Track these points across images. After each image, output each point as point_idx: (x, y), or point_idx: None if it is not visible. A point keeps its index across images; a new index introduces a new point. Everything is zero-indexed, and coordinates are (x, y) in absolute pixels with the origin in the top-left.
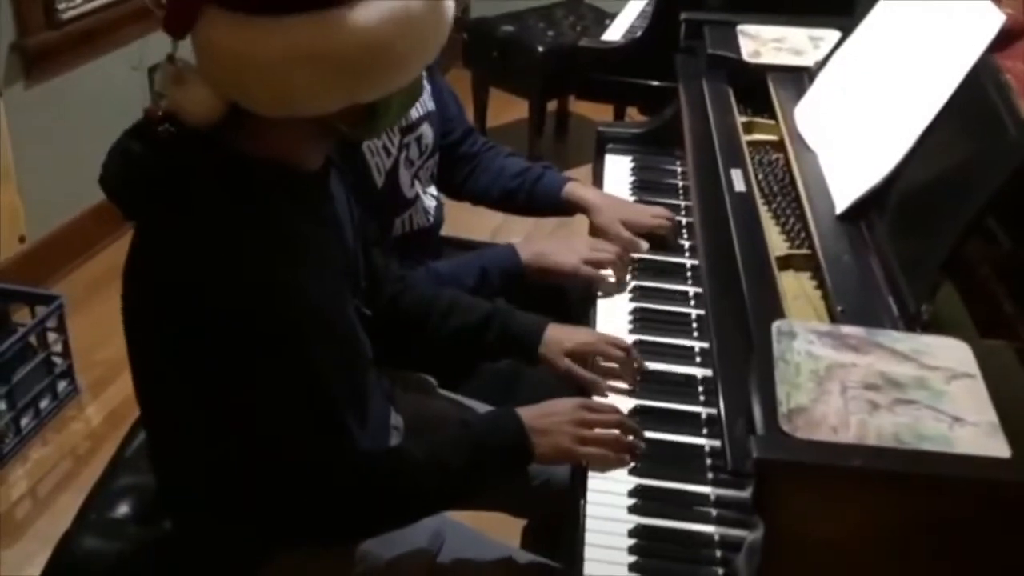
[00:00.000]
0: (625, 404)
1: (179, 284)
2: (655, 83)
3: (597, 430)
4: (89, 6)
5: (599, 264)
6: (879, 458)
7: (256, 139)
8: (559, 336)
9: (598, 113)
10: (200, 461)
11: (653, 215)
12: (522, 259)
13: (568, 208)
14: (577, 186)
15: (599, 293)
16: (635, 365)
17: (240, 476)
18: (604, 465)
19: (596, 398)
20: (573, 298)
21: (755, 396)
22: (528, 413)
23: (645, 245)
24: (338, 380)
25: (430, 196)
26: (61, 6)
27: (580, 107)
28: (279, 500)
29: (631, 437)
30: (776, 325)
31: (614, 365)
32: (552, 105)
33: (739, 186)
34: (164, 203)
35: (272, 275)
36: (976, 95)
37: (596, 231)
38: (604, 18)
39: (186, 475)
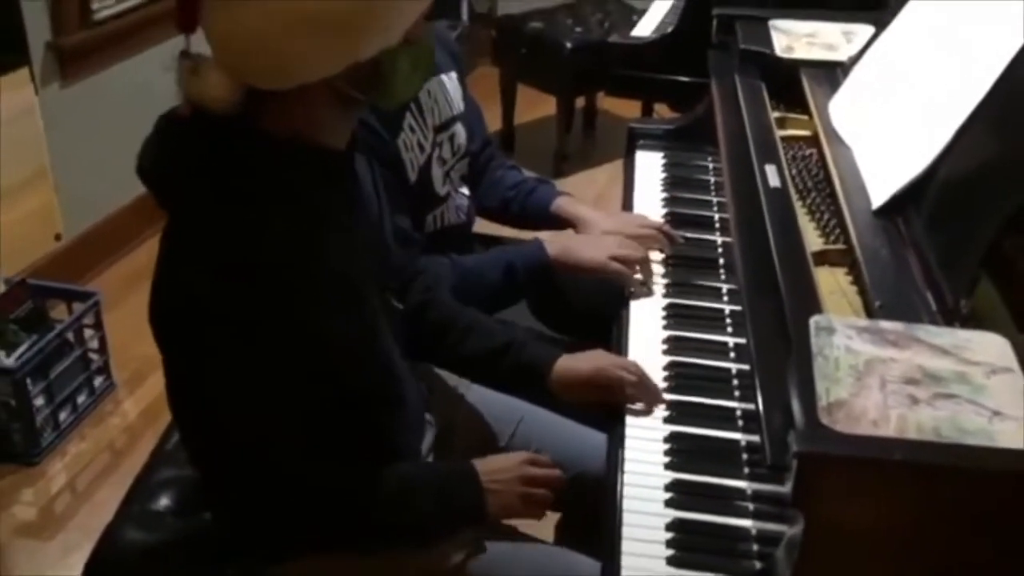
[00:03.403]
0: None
1: (204, 261)
2: (685, 79)
3: (540, 490)
4: (122, 6)
5: (626, 261)
6: (920, 451)
7: (279, 118)
8: (570, 370)
9: (626, 110)
10: (215, 454)
11: (640, 225)
12: (550, 254)
13: (557, 222)
14: (567, 201)
15: (628, 292)
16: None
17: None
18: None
19: (645, 422)
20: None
21: (794, 390)
22: (484, 471)
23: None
24: (354, 355)
25: (462, 195)
26: (95, 6)
27: (608, 104)
28: (259, 495)
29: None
30: (814, 320)
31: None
32: (580, 102)
33: (774, 181)
34: (192, 184)
35: (296, 241)
36: (1016, 87)
37: None
38: (631, 14)
39: (209, 468)
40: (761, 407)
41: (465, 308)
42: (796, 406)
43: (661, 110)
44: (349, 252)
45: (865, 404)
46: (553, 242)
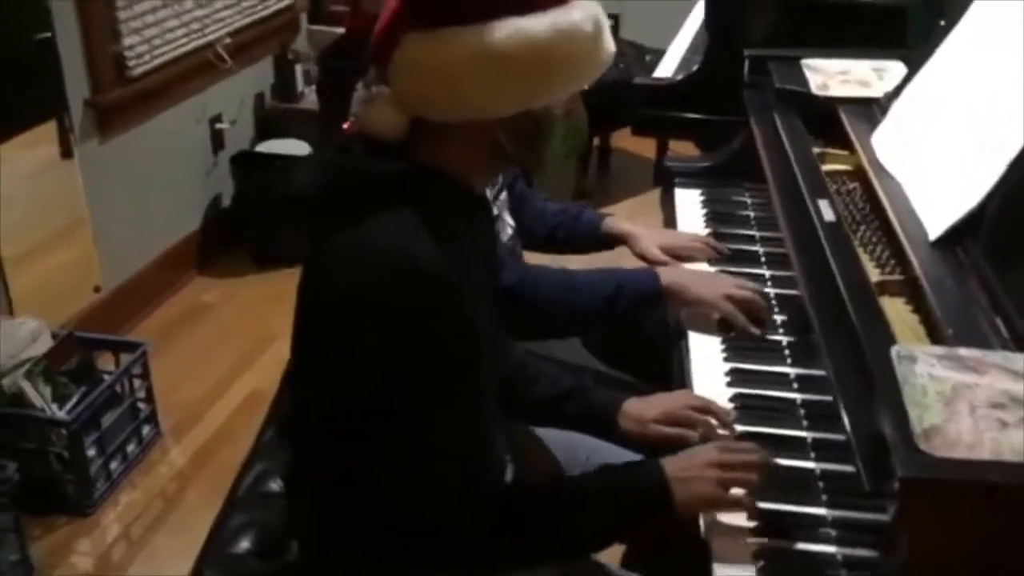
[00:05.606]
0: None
1: (348, 282)
2: (713, 117)
3: (739, 473)
4: (157, 62)
5: (741, 303)
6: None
7: (433, 153)
8: (639, 408)
9: (640, 147)
10: (339, 479)
11: (690, 239)
12: (663, 283)
13: (608, 241)
14: (615, 219)
15: (736, 334)
16: (724, 421)
17: (377, 495)
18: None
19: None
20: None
21: (886, 419)
22: (669, 462)
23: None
24: (484, 401)
25: (508, 224)
26: (131, 63)
27: (622, 142)
28: (413, 523)
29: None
30: (895, 349)
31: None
32: (594, 141)
33: (828, 216)
34: (348, 207)
35: (440, 267)
36: None
37: (637, 259)
38: (644, 54)
39: (324, 496)
40: (852, 437)
41: (533, 357)
42: (892, 434)
43: (676, 147)
44: (476, 291)
45: (958, 429)
46: (667, 272)
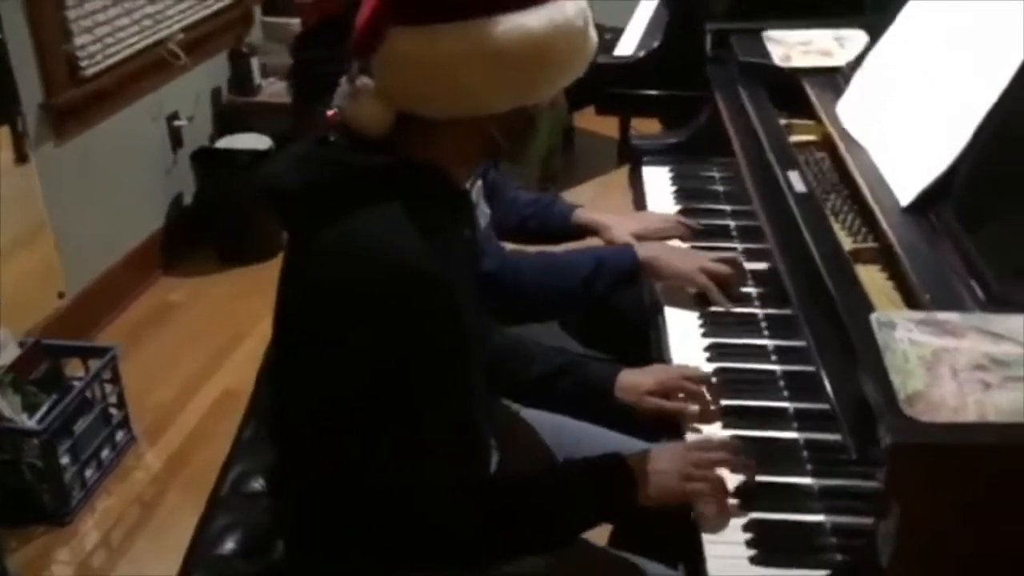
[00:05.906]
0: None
1: (337, 277)
2: (677, 93)
3: (703, 466)
4: (110, 61)
5: (716, 276)
6: (1012, 434)
7: (421, 149)
8: (634, 379)
9: (601, 126)
10: (326, 477)
11: (661, 220)
12: (639, 257)
13: (579, 231)
14: (585, 210)
15: (711, 309)
16: (713, 398)
17: (363, 492)
18: (710, 501)
19: (704, 431)
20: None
21: (869, 386)
22: (633, 456)
23: None
24: (471, 391)
25: (484, 212)
26: (84, 63)
27: (584, 122)
28: (399, 519)
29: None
30: (875, 316)
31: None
32: None
33: (799, 187)
34: (334, 200)
35: (427, 263)
36: None
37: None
38: (603, 33)
39: (310, 495)
40: (836, 405)
41: (522, 338)
42: (877, 401)
43: (637, 124)
44: (461, 283)
45: (942, 393)
46: (642, 247)
